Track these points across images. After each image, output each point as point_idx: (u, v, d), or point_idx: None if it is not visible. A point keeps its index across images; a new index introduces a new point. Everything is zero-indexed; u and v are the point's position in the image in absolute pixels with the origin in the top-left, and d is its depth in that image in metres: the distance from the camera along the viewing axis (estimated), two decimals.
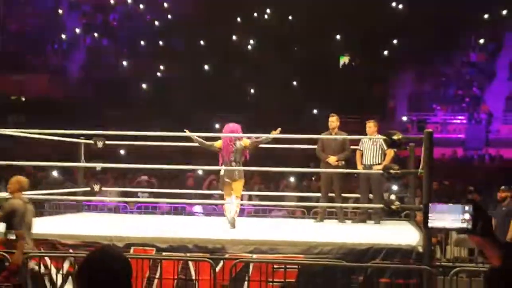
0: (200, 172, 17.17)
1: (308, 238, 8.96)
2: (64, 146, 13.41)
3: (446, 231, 11.12)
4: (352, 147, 11.60)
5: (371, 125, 11.64)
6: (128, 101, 31.22)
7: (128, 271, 3.02)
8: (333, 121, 11.58)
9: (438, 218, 3.11)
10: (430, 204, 3.14)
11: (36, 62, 32.96)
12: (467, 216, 3.06)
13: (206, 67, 33.61)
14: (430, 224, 3.17)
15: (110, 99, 30.63)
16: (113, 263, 2.97)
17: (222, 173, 10.44)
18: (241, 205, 11.33)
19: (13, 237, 8.32)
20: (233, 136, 10.34)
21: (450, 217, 3.08)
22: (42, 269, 8.53)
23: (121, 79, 32.71)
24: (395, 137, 9.13)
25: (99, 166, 12.53)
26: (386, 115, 28.77)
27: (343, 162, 11.47)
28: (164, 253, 8.63)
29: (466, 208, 3.07)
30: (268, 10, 34.57)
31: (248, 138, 10.52)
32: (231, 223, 10.16)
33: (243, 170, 10.45)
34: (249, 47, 34.39)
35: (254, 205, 13.77)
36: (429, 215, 3.13)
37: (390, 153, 11.20)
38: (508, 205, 12.02)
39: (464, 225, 3.07)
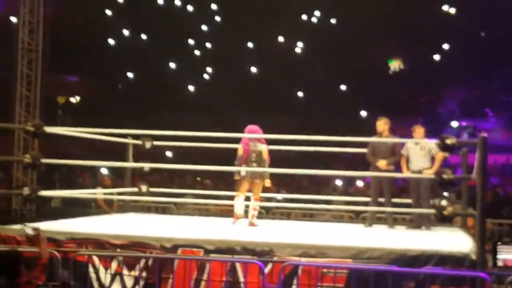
0: None
1: (357, 243, 8.82)
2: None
3: None
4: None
5: (419, 130, 11.47)
6: (175, 104, 31.41)
7: None
8: (380, 124, 11.45)
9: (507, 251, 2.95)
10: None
11: (84, 64, 33.24)
12: None
13: (253, 69, 33.60)
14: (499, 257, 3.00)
15: (157, 101, 30.83)
16: None
17: (243, 173, 10.86)
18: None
19: (31, 232, 8.32)
20: (251, 137, 10.85)
21: None
22: (90, 269, 8.52)
23: (169, 82, 32.88)
24: (448, 141, 8.93)
25: (146, 166, 12.47)
26: (436, 120, 28.38)
27: (393, 167, 11.31)
28: (211, 255, 8.56)
29: None
30: (316, 13, 34.36)
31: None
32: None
33: (265, 171, 10.89)
34: (298, 50, 34.27)
35: (301, 209, 13.63)
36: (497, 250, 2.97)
37: (440, 157, 11.00)
38: None
39: None
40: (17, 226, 9.50)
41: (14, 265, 6.38)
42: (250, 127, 11.02)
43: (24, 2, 18.58)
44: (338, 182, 18.88)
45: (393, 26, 31.05)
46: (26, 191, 10.06)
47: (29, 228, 8.13)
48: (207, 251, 8.62)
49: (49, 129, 10.33)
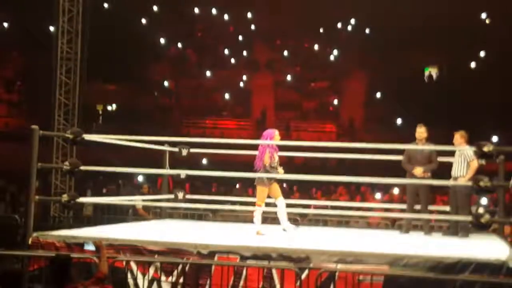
0: None
1: (394, 250, 8.80)
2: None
3: None
4: (439, 158, 11.36)
5: (457, 136, 11.38)
6: (211, 111, 31.59)
7: None
8: (422, 132, 11.38)
9: None
10: None
11: (121, 72, 33.57)
12: None
13: (288, 77, 33.64)
14: None
15: (193, 108, 31.02)
16: None
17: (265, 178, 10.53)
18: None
19: (92, 248, 8.49)
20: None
21: None
22: (128, 274, 8.60)
23: (205, 89, 33.09)
24: (485, 149, 8.89)
25: (182, 173, 12.55)
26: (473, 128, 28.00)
27: (429, 174, 11.26)
28: (248, 261, 8.59)
29: None
30: (352, 21, 34.31)
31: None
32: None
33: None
34: (332, 57, 34.25)
35: (337, 216, 13.62)
36: None
37: (474, 164, 10.85)
38: None
39: None
40: (60, 233, 9.68)
41: (64, 269, 6.49)
42: (270, 131, 10.82)
43: (64, 12, 18.81)
44: (377, 195, 18.93)
45: (429, 34, 30.89)
46: (65, 197, 10.20)
47: (90, 244, 8.31)
48: (244, 258, 8.67)
49: (88, 137, 10.47)
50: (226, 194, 18.20)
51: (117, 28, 32.76)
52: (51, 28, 24.48)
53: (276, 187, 10.71)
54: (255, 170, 10.59)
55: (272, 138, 10.64)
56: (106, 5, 32.42)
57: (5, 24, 34.57)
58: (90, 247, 8.72)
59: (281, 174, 10.64)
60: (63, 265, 6.49)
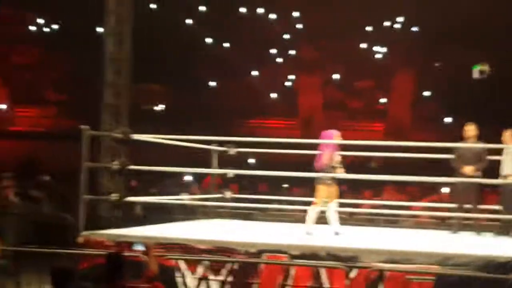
0: None
1: (443, 249, 8.72)
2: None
3: None
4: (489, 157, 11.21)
5: (507, 134, 11.23)
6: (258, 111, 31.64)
7: None
8: (470, 129, 11.26)
9: None
10: None
11: (167, 72, 33.77)
12: None
13: (335, 76, 33.55)
14: None
15: (240, 109, 31.10)
16: None
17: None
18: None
19: (142, 247, 8.56)
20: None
21: None
22: (177, 273, 8.67)
23: (250, 88, 33.15)
24: None
25: (230, 172, 12.56)
26: None
27: (479, 172, 11.12)
28: (296, 260, 8.59)
29: None
30: (399, 19, 34.05)
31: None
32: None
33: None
34: (379, 56, 34.05)
35: (385, 215, 13.54)
36: None
37: None
38: None
39: None
40: (110, 232, 9.78)
41: (118, 267, 6.57)
42: (329, 132, 10.81)
43: (112, 13, 18.94)
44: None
45: (477, 31, 30.53)
46: (114, 197, 10.30)
47: (140, 242, 8.41)
48: (292, 256, 8.66)
49: (137, 136, 10.56)
50: (274, 193, 18.19)
51: (163, 29, 33.03)
52: (100, 29, 24.74)
53: (334, 188, 10.60)
54: (316, 170, 10.54)
55: (332, 139, 10.60)
56: (153, 5, 32.65)
57: (54, 26, 35.10)
58: (139, 246, 8.80)
59: (340, 174, 10.55)
60: (117, 262, 6.57)
